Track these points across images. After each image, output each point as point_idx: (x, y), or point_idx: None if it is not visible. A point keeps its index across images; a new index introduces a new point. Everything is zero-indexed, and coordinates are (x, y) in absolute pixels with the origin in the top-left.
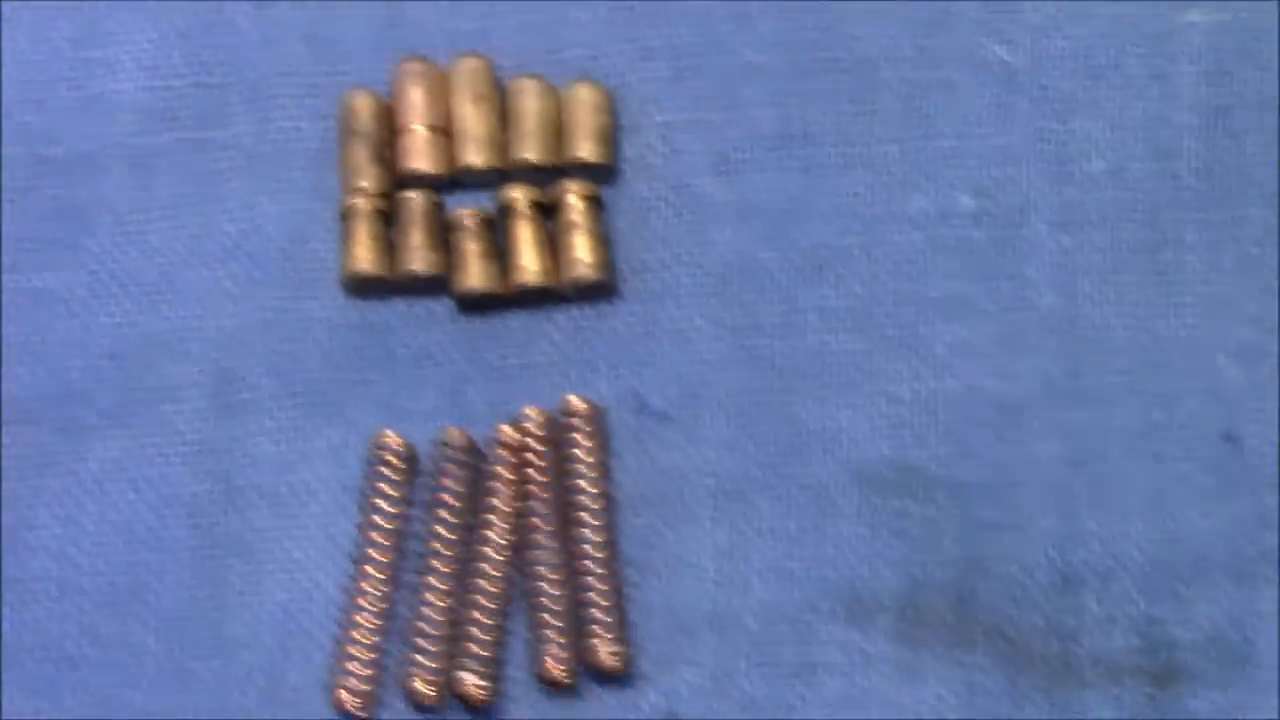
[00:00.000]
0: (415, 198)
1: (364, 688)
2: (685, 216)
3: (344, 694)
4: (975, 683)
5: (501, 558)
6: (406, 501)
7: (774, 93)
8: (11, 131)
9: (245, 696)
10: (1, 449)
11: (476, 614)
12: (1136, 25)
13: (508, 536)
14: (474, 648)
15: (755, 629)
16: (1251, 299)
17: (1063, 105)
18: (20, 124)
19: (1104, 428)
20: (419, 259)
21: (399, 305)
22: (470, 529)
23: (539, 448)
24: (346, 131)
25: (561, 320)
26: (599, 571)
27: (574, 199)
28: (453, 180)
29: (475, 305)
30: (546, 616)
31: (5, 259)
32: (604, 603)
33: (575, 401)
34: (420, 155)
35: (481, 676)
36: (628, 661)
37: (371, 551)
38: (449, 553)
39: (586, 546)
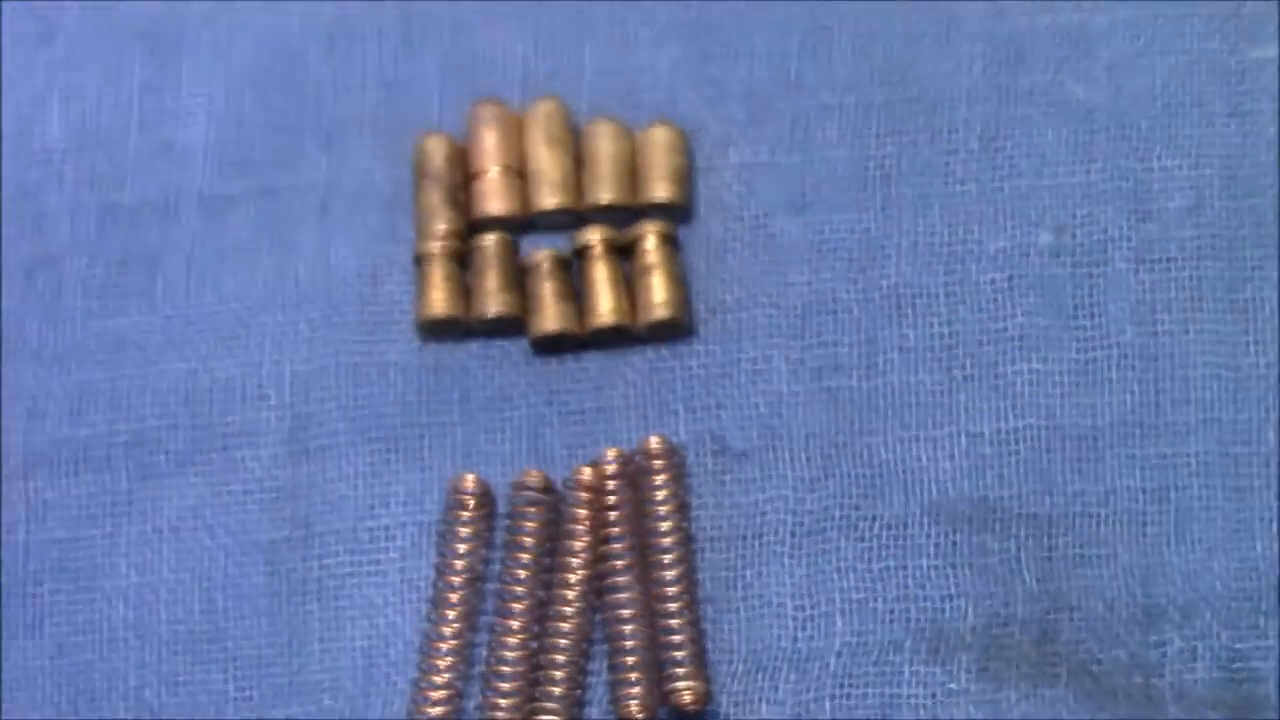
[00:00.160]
0: (490, 240)
1: None
2: (762, 256)
3: None
4: (1058, 718)
5: (580, 599)
6: (485, 543)
7: (850, 132)
8: (83, 177)
9: None
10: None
11: (556, 655)
12: (1214, 61)
13: (586, 577)
14: (553, 689)
15: (836, 667)
16: None
17: (1141, 142)
18: (92, 170)
19: (1184, 461)
20: (495, 302)
21: (474, 348)
22: (548, 570)
23: (617, 488)
24: (421, 175)
25: (638, 361)
26: (678, 611)
27: (650, 240)
28: (528, 223)
29: (551, 347)
30: (626, 657)
31: (79, 304)
32: (684, 642)
33: (653, 442)
34: (495, 198)
35: (561, 718)
36: (708, 701)
37: (449, 594)
38: (527, 594)
39: (666, 586)
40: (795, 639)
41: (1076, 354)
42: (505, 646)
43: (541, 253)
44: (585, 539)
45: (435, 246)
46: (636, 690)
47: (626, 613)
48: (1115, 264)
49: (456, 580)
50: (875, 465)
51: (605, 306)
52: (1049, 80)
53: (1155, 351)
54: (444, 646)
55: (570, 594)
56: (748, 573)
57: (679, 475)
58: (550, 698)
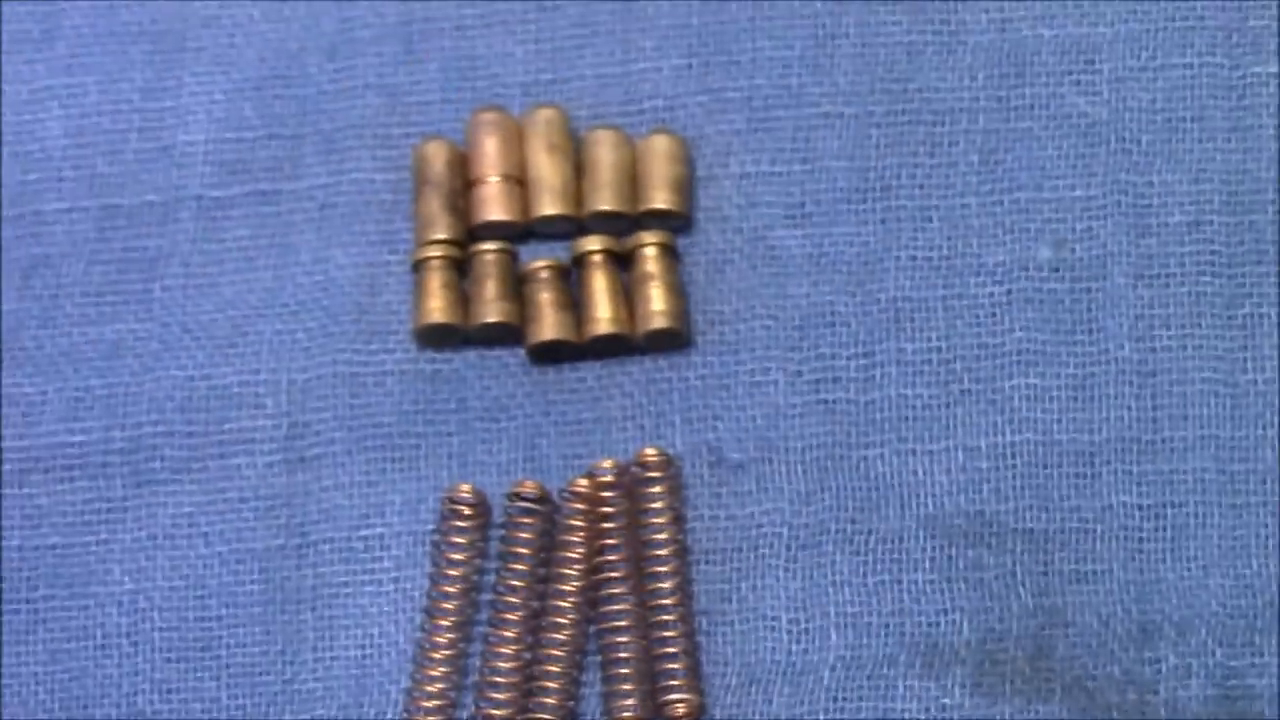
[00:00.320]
0: (489, 248)
1: None
2: (761, 268)
3: None
4: None
5: (575, 609)
6: (480, 553)
7: (850, 144)
8: (83, 181)
9: None
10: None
11: (550, 666)
12: (1216, 78)
13: (581, 587)
14: (547, 700)
15: (830, 681)
16: None
17: (1142, 157)
18: (91, 173)
19: (1181, 478)
20: (493, 310)
21: (472, 357)
22: (543, 580)
23: (613, 499)
24: (420, 181)
25: (636, 371)
26: (673, 622)
27: (649, 249)
28: (527, 231)
29: (549, 356)
30: (620, 669)
31: (75, 309)
32: (678, 654)
33: (650, 453)
34: (494, 205)
35: None
36: (702, 713)
37: (444, 603)
38: (522, 604)
39: (661, 598)
40: (789, 652)
41: (1074, 369)
42: (499, 656)
43: (540, 261)
44: (580, 549)
45: (434, 253)
46: (630, 702)
47: (621, 624)
48: (1114, 279)
49: (451, 590)
50: (871, 479)
51: (603, 316)
52: (1050, 94)
53: (1153, 367)
54: (438, 656)
55: (565, 604)
56: (743, 585)
57: (675, 487)
58: (544, 708)
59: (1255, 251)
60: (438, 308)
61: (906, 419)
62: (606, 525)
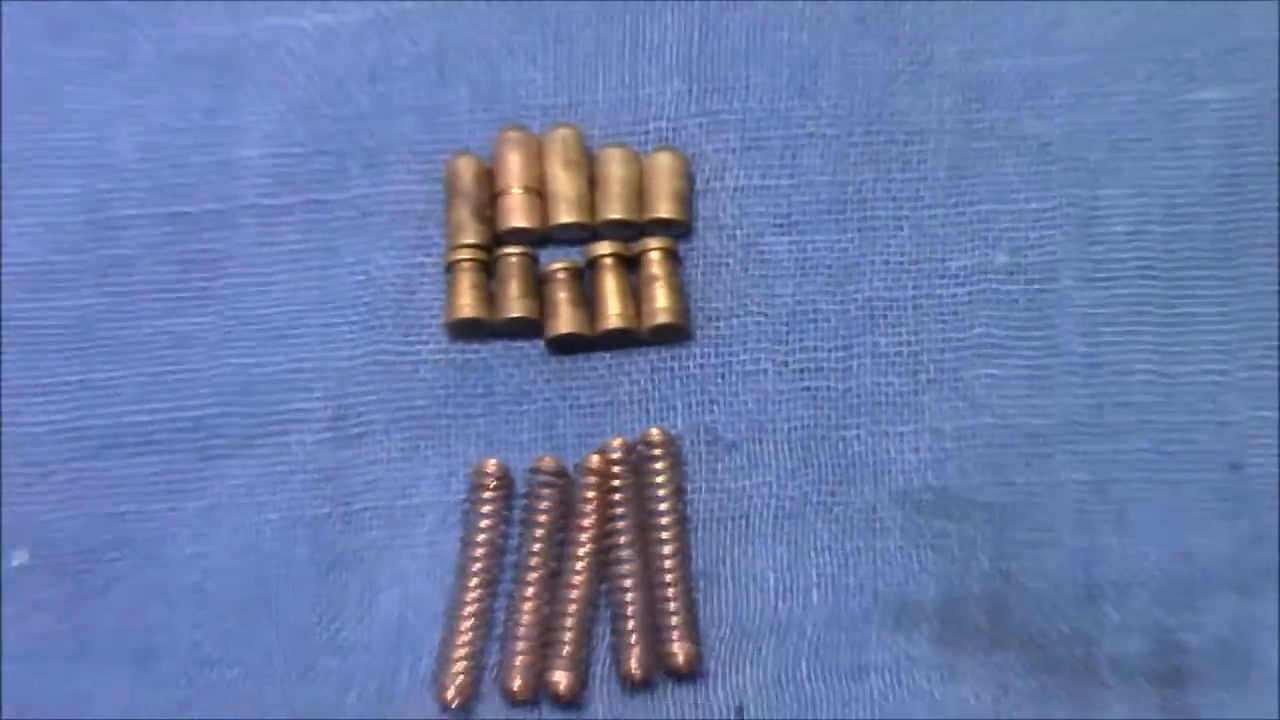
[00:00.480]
0: (513, 252)
1: (465, 685)
2: (752, 270)
3: (447, 691)
4: (1007, 683)
5: (587, 569)
6: (504, 520)
7: (832, 161)
8: (152, 190)
9: (362, 694)
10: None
11: (565, 620)
12: (1158, 103)
13: (593, 551)
14: (563, 650)
15: (812, 635)
16: (1256, 345)
17: (1090, 174)
18: (160, 184)
19: (1123, 458)
20: (516, 306)
21: (497, 348)
22: (560, 544)
23: (621, 473)
24: (451, 192)
25: (641, 361)
26: (673, 582)
27: (654, 253)
28: (546, 236)
29: (565, 347)
30: (627, 622)
31: (146, 304)
32: (678, 609)
33: (654, 433)
34: (517, 214)
35: (569, 675)
36: (699, 662)
37: (472, 565)
38: (541, 565)
39: (663, 560)
40: (776, 609)
41: (1029, 361)
42: (521, 611)
43: (557, 263)
44: (592, 518)
45: (463, 256)
46: (635, 651)
47: (628, 583)
48: (1064, 282)
49: (479, 553)
50: (849, 457)
51: (613, 311)
52: (1009, 117)
53: (1099, 360)
54: (467, 611)
55: (579, 566)
56: (735, 550)
57: (676, 463)
58: (560, 656)
59: (1191, 258)
60: (467, 304)
61: (880, 404)
62: (615, 496)
